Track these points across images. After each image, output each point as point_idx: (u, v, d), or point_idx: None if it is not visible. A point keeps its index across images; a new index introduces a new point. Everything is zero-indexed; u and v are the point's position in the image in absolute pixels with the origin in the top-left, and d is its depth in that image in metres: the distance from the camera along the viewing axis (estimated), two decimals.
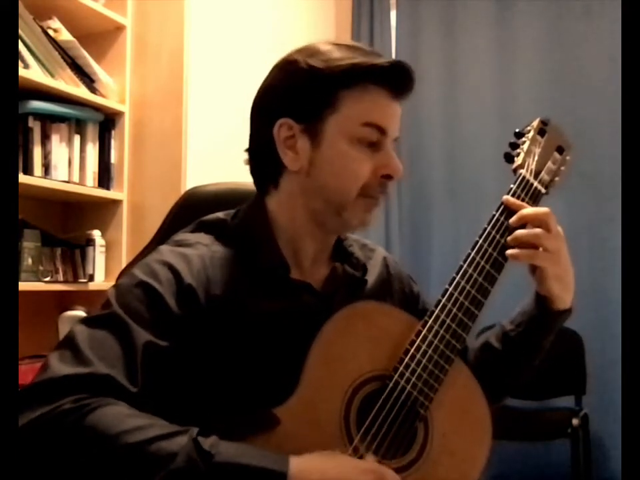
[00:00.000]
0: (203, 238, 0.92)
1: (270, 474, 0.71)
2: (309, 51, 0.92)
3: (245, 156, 0.98)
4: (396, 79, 0.91)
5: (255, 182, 0.98)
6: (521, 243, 0.92)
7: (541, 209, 0.94)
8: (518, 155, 1.01)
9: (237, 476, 0.70)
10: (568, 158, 1.04)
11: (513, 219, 0.93)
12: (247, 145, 0.98)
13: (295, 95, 0.91)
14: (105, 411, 0.71)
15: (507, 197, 0.96)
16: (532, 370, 1.05)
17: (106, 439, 0.69)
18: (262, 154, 0.95)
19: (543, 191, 1.00)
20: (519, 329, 1.01)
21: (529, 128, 1.04)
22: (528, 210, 0.94)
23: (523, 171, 0.99)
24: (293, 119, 0.90)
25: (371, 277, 1.01)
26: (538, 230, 0.92)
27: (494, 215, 0.95)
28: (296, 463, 0.72)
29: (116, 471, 0.69)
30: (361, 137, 0.89)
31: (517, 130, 1.05)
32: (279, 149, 0.91)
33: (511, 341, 1.02)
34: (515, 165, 1.01)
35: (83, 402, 0.71)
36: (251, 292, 0.88)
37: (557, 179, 1.03)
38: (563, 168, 1.04)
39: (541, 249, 0.92)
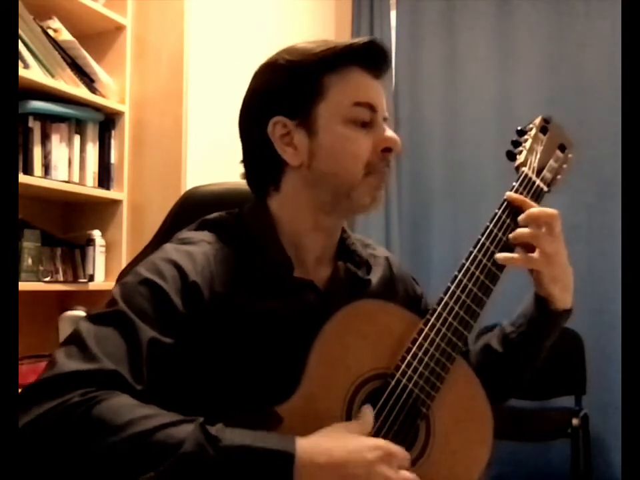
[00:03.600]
0: (206, 236, 0.92)
1: (277, 455, 0.71)
2: (287, 50, 0.94)
3: (241, 168, 0.98)
4: (372, 58, 0.92)
5: (254, 188, 0.99)
6: (520, 243, 0.92)
7: (549, 210, 0.94)
8: (520, 152, 1.01)
9: (244, 458, 0.70)
10: (570, 156, 1.04)
11: (521, 217, 0.93)
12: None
13: (281, 92, 0.92)
14: (111, 401, 0.72)
15: (510, 194, 0.96)
16: (533, 370, 1.05)
17: (114, 429, 0.70)
18: (259, 158, 0.95)
19: (545, 189, 0.99)
20: (520, 331, 1.01)
21: (531, 126, 1.04)
22: (536, 209, 0.93)
23: (525, 169, 0.99)
24: (285, 116, 0.91)
25: (375, 277, 1.01)
26: (539, 231, 0.92)
27: (496, 213, 0.95)
28: (303, 443, 0.73)
29: (124, 459, 0.69)
30: (354, 117, 0.91)
31: (519, 128, 1.05)
32: (277, 148, 0.92)
33: (512, 343, 1.02)
34: (517, 163, 1.00)
35: (90, 395, 0.72)
36: (255, 290, 0.88)
37: (559, 177, 1.03)
38: (565, 166, 1.03)
39: (537, 250, 0.92)
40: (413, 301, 1.06)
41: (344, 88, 0.91)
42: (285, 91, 0.92)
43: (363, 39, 0.91)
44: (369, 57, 0.92)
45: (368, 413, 0.82)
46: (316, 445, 0.74)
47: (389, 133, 0.93)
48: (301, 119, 0.91)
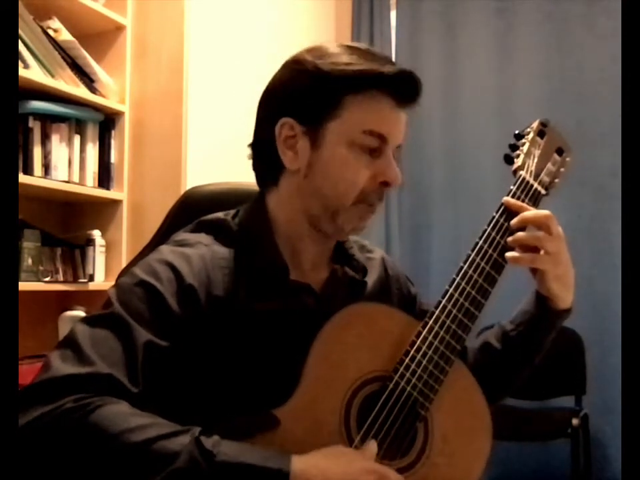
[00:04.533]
0: (203, 238, 0.92)
1: (272, 473, 0.70)
2: (318, 52, 0.91)
3: (248, 150, 0.98)
4: (402, 88, 0.90)
5: (257, 177, 0.99)
6: (521, 245, 0.92)
7: (542, 212, 0.94)
8: (518, 156, 1.01)
9: (239, 475, 0.70)
10: (568, 159, 1.05)
11: (514, 221, 0.93)
12: (248, 142, 0.98)
13: (300, 96, 0.91)
14: (106, 410, 0.71)
15: (507, 199, 0.96)
16: (531, 369, 1.05)
17: (108, 438, 0.69)
18: (263, 150, 0.95)
19: (543, 192, 1.00)
20: (520, 329, 1.02)
21: (528, 130, 1.04)
22: (529, 212, 0.94)
23: (522, 173, 0.99)
24: (296, 120, 0.90)
25: (371, 279, 1.01)
26: (539, 232, 0.92)
27: (494, 217, 0.95)
28: (298, 462, 0.72)
29: (118, 470, 0.69)
30: (361, 143, 0.89)
31: (517, 132, 1.05)
32: (278, 148, 0.91)
33: (511, 341, 1.02)
34: (514, 167, 1.01)
35: (85, 401, 0.71)
36: (251, 292, 0.88)
37: (556, 180, 1.03)
38: (562, 169, 1.04)
39: (542, 251, 0.92)
40: (407, 301, 1.06)
41: (361, 112, 0.89)
42: (303, 95, 0.90)
43: (394, 68, 0.89)
44: (397, 85, 0.89)
45: (372, 446, 0.81)
46: (311, 465, 0.73)
47: (392, 167, 0.91)
48: (310, 127, 0.90)
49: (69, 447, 0.70)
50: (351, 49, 0.91)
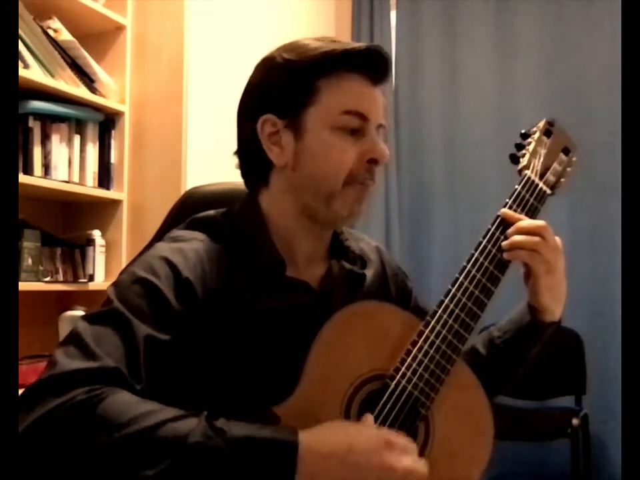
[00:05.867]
0: (197, 235, 0.93)
1: (281, 444, 0.72)
2: (287, 46, 0.93)
3: (236, 159, 0.99)
4: (371, 64, 0.91)
5: (246, 182, 0.99)
6: (518, 248, 0.92)
7: (537, 222, 0.94)
8: (523, 155, 1.01)
9: (250, 448, 0.71)
10: (574, 159, 1.04)
11: (509, 231, 0.93)
12: (234, 150, 0.98)
13: (274, 90, 0.92)
14: (116, 397, 0.73)
15: (505, 210, 0.95)
16: (514, 380, 1.04)
17: (120, 424, 0.70)
18: (249, 153, 0.96)
19: (549, 191, 0.99)
20: (506, 337, 1.02)
21: (534, 129, 1.04)
22: (524, 222, 0.93)
23: (528, 172, 0.99)
24: (276, 115, 0.91)
25: (369, 272, 1.01)
26: (536, 238, 0.92)
27: (498, 216, 0.95)
28: (305, 433, 0.74)
29: (132, 453, 0.70)
30: (343, 125, 0.90)
31: (523, 131, 1.05)
32: (264, 146, 0.92)
33: (497, 348, 1.02)
34: (520, 166, 1.00)
35: (95, 392, 0.72)
36: (247, 289, 0.89)
37: (562, 179, 1.03)
38: (568, 169, 1.04)
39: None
40: (403, 294, 1.07)
41: (336, 94, 0.90)
42: (277, 89, 0.91)
43: (360, 44, 0.90)
44: (367, 62, 0.90)
45: (369, 418, 0.82)
46: (318, 435, 0.75)
47: (377, 143, 0.91)
48: (290, 119, 0.91)
49: (84, 437, 0.71)
50: (318, 38, 0.93)
